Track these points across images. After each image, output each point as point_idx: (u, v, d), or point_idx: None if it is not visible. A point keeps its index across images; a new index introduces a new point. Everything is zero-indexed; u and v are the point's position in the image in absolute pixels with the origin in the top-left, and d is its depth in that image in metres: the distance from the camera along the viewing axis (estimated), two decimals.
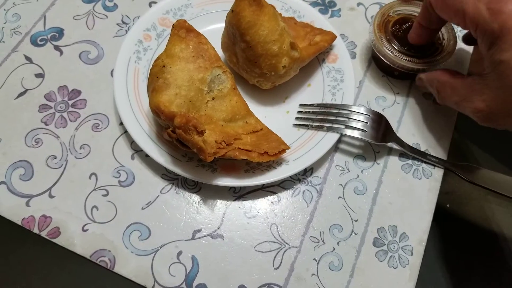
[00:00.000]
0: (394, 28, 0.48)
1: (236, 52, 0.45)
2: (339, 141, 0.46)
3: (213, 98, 0.42)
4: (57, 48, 0.50)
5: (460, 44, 0.50)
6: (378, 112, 0.46)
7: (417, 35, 0.45)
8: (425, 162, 0.46)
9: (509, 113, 0.36)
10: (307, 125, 0.46)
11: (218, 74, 0.43)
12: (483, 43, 0.36)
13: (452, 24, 0.48)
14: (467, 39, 0.49)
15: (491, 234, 0.45)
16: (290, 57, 0.43)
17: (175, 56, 0.41)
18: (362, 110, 0.45)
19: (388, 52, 0.47)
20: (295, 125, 0.46)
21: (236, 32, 0.42)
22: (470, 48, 0.51)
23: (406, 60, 0.46)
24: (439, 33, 0.48)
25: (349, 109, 0.45)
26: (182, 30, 0.42)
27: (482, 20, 0.35)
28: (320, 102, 0.47)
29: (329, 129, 0.45)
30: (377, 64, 0.51)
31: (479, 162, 0.48)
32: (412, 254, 0.42)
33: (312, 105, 0.47)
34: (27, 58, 0.49)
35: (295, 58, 0.44)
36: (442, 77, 0.42)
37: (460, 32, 0.51)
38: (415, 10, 0.49)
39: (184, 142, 0.37)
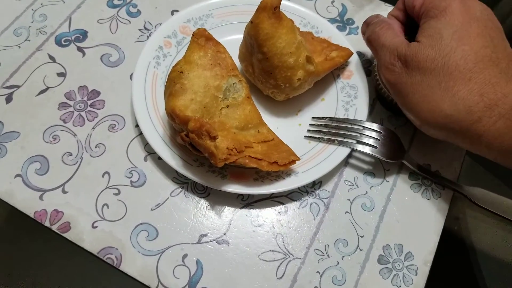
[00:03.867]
0: None
1: (252, 63, 0.45)
2: (349, 156, 0.47)
3: (227, 106, 0.43)
4: (80, 49, 0.52)
5: None
6: (390, 130, 0.46)
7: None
8: (435, 183, 0.46)
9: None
10: (318, 138, 0.46)
11: (234, 83, 0.44)
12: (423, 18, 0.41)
13: None
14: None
15: (498, 260, 0.45)
16: (305, 71, 0.44)
17: (193, 63, 0.42)
18: (374, 126, 0.46)
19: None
20: (306, 137, 0.47)
21: (254, 43, 0.43)
22: None
23: None
24: None
25: (361, 124, 0.46)
26: (201, 38, 0.44)
27: None
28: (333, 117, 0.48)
29: (340, 143, 0.45)
30: (382, 104, 0.51)
31: (489, 186, 0.47)
32: (416, 274, 0.42)
33: (325, 118, 0.47)
34: (50, 57, 0.51)
35: (310, 71, 0.45)
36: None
37: None
38: None
39: (197, 146, 0.38)
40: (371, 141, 0.45)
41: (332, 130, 0.46)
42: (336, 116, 0.48)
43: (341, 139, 0.45)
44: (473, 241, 0.46)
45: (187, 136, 0.38)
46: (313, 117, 0.48)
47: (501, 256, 0.45)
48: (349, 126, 0.46)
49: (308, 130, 0.47)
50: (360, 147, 0.45)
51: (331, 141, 0.45)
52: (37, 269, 0.40)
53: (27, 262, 0.41)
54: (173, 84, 0.41)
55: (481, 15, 0.38)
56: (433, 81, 0.37)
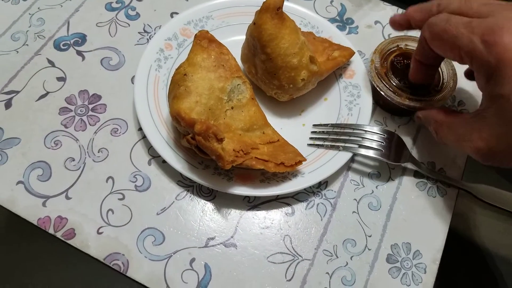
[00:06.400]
0: (393, 64, 0.48)
1: (255, 64, 0.45)
2: (354, 156, 0.47)
3: (232, 108, 0.43)
4: (79, 53, 0.51)
5: (461, 81, 0.49)
6: (393, 132, 0.46)
7: (416, 71, 0.44)
8: (440, 181, 0.46)
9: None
10: (322, 145, 0.46)
11: (238, 84, 0.43)
12: (479, 76, 0.35)
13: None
14: (469, 74, 0.47)
15: (505, 256, 0.45)
16: (309, 71, 0.44)
17: (197, 65, 0.42)
18: (377, 130, 0.46)
19: (388, 91, 0.46)
20: (309, 145, 0.46)
21: (257, 44, 0.43)
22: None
23: (405, 98, 0.45)
24: (439, 69, 0.47)
25: (364, 129, 0.46)
26: (204, 40, 0.43)
27: (477, 53, 0.33)
28: (336, 117, 0.48)
29: (344, 148, 0.45)
30: (382, 107, 0.50)
31: (493, 182, 0.48)
32: (425, 272, 0.41)
33: (326, 125, 0.47)
34: (49, 61, 0.50)
35: (314, 71, 0.44)
36: (438, 116, 0.40)
37: (461, 67, 0.49)
38: (414, 46, 0.48)
39: (203, 149, 0.38)
40: (374, 144, 0.45)
41: (334, 136, 0.46)
42: (340, 116, 0.48)
43: (344, 144, 0.45)
44: (476, 235, 0.46)
45: (193, 139, 0.38)
46: (314, 125, 0.47)
47: (504, 249, 0.45)
48: (352, 131, 0.46)
49: (311, 138, 0.46)
50: (363, 151, 0.44)
51: (335, 148, 0.45)
52: (41, 277, 0.40)
53: (30, 270, 0.40)
54: (177, 86, 0.41)
55: None
56: None
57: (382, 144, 0.45)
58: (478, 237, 0.46)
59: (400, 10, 0.57)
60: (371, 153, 0.45)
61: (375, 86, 0.47)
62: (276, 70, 0.43)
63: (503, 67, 0.31)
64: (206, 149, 0.37)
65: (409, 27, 0.43)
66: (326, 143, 0.45)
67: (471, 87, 0.51)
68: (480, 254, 0.45)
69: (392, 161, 0.44)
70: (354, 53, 0.50)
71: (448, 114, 0.40)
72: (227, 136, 0.40)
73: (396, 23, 0.44)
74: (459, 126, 0.37)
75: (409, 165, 0.45)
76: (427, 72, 0.44)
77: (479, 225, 0.46)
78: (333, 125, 0.47)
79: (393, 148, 0.45)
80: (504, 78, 0.32)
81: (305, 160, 0.42)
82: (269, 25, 0.42)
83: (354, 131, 0.46)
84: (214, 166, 0.43)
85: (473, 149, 0.35)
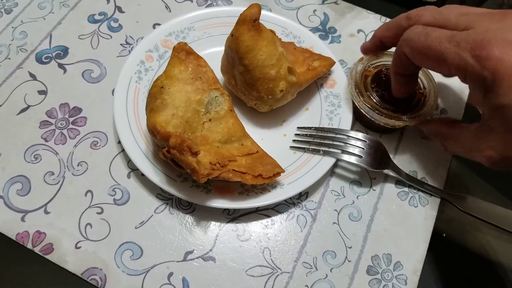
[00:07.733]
0: (373, 81, 0.46)
1: (234, 75, 0.45)
2: (335, 166, 0.47)
3: (210, 120, 0.42)
4: (61, 66, 0.51)
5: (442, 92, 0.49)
6: (375, 139, 0.46)
7: (399, 84, 0.43)
8: (422, 191, 0.46)
9: None
10: (303, 148, 0.46)
11: (216, 96, 0.43)
12: (476, 90, 0.35)
13: (429, 72, 0.47)
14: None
15: (487, 265, 0.44)
16: (287, 82, 0.44)
17: (174, 77, 0.42)
18: (359, 136, 0.46)
19: (369, 109, 0.45)
20: (292, 147, 0.46)
21: (235, 56, 0.43)
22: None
23: (389, 117, 0.44)
24: (419, 82, 0.46)
25: (346, 134, 0.46)
26: (182, 53, 0.43)
27: (470, 69, 0.33)
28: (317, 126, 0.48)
29: (326, 153, 0.45)
30: (358, 119, 0.49)
31: (476, 192, 0.47)
32: (406, 284, 0.41)
33: (310, 128, 0.47)
34: (31, 75, 0.50)
35: (292, 82, 0.44)
36: (441, 130, 0.41)
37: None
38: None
39: (179, 162, 0.38)
40: (356, 151, 0.45)
41: (317, 140, 0.46)
42: (321, 126, 0.48)
43: (326, 149, 0.45)
44: (465, 243, 0.45)
45: (169, 152, 0.38)
46: (298, 127, 0.48)
47: (491, 259, 0.45)
48: (334, 135, 0.46)
49: (294, 141, 0.47)
50: (345, 157, 0.44)
51: (316, 151, 0.45)
52: None
53: (9, 286, 0.40)
54: (154, 99, 0.41)
55: None
56: None
57: (364, 150, 0.45)
58: (464, 243, 0.45)
59: (384, 19, 0.57)
60: (352, 159, 0.44)
61: (355, 103, 0.46)
62: (254, 81, 0.43)
63: (500, 79, 0.32)
64: (181, 162, 0.37)
65: (382, 47, 0.43)
66: (308, 146, 0.45)
67: (452, 96, 0.51)
68: (465, 260, 0.44)
69: (373, 168, 0.44)
70: (335, 63, 0.50)
71: (451, 127, 0.41)
72: (204, 148, 0.40)
73: (367, 49, 0.45)
74: (466, 138, 0.38)
75: (391, 173, 0.45)
76: (409, 82, 0.44)
77: (466, 231, 0.46)
78: (316, 129, 0.47)
79: (374, 155, 0.45)
80: (503, 89, 0.32)
81: (283, 171, 0.42)
82: (246, 37, 0.42)
83: (337, 135, 0.46)
84: (193, 179, 0.42)
85: (485, 158, 0.36)
